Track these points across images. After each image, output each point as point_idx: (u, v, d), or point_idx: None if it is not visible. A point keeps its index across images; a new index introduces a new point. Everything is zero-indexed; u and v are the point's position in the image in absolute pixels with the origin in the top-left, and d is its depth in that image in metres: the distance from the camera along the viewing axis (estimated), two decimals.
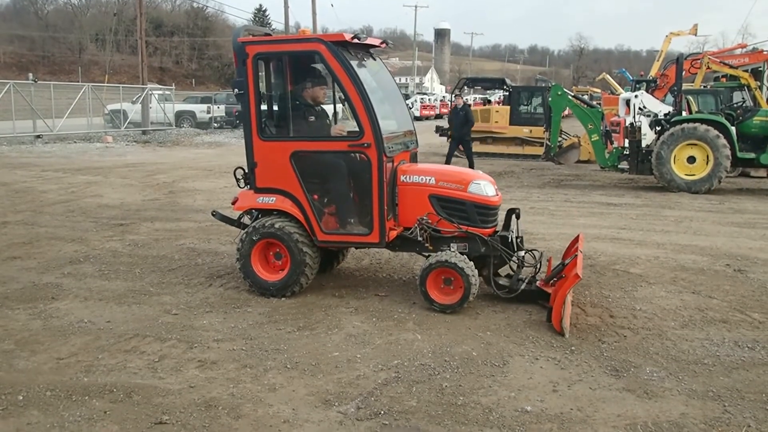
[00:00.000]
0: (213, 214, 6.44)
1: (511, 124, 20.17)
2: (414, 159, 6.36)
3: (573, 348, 4.82)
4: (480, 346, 4.83)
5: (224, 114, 30.99)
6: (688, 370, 4.47)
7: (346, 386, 4.18)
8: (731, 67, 17.19)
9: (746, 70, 17.09)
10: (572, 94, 15.78)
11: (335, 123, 6.57)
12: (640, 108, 13.46)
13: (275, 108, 6.18)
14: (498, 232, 5.94)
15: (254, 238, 5.79)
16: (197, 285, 6.29)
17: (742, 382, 4.32)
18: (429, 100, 47.70)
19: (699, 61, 17.09)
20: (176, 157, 18.69)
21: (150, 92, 26.57)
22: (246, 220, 6.29)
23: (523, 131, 19.93)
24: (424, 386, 4.18)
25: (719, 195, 12.74)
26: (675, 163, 12.96)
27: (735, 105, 14.68)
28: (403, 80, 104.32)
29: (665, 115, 13.44)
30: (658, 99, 14.89)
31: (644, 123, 13.38)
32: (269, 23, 76.83)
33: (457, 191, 5.74)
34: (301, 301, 5.80)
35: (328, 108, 6.44)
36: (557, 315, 5.05)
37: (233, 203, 6.10)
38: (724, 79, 18.27)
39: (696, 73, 17.46)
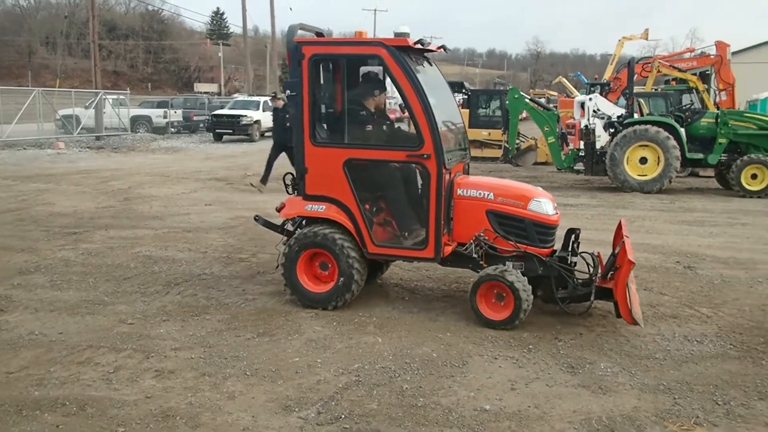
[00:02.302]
0: (256, 219, 6.21)
1: (470, 126, 20.33)
2: (467, 170, 6.15)
3: (531, 347, 4.91)
4: (440, 348, 4.87)
5: (181, 119, 30.52)
6: (641, 365, 4.60)
7: (307, 391, 4.17)
8: (680, 70, 17.73)
9: (694, 74, 17.64)
10: (529, 97, 16.05)
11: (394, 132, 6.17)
12: (594, 110, 13.78)
13: (330, 112, 5.92)
14: (557, 252, 5.69)
15: (301, 247, 5.58)
16: (154, 293, 6.18)
17: (691, 375, 4.46)
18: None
19: (650, 64, 17.59)
20: (132, 163, 18.32)
21: (104, 97, 25.98)
22: (289, 227, 6.07)
23: (482, 134, 20.16)
24: (385, 389, 4.20)
25: (670, 194, 13.13)
26: (628, 164, 13.30)
27: (684, 107, 15.15)
28: None
29: (618, 117, 13.79)
30: (611, 102, 15.26)
31: (598, 125, 13.71)
32: (226, 27, 76.05)
33: (516, 208, 5.49)
34: (261, 308, 5.76)
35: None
36: (624, 307, 4.95)
37: (279, 209, 5.88)
38: (674, 83, 18.82)
39: (647, 77, 17.95)
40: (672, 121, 13.45)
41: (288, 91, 5.54)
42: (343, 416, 3.84)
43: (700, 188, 14.43)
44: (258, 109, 27.23)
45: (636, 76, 16.50)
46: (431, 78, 5.78)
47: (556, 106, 21.94)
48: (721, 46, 17.99)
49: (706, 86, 17.69)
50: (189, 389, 4.17)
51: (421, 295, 6.19)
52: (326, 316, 5.53)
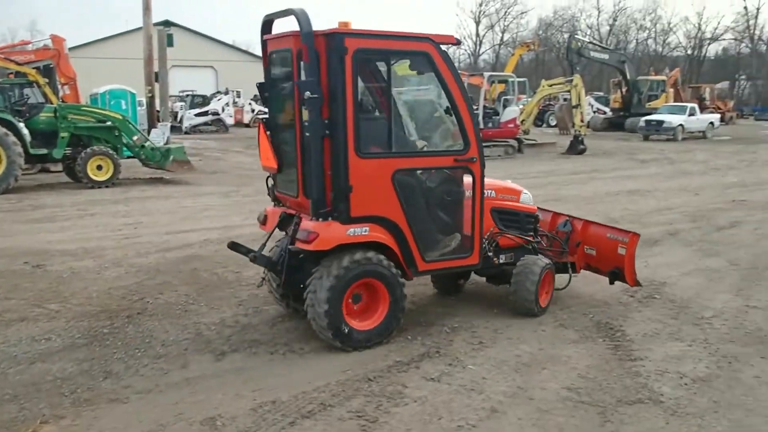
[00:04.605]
0: (231, 247, 5.08)
1: None
2: None
3: None
4: None
5: None
6: None
7: None
8: (17, 63, 17.01)
9: (36, 67, 17.28)
10: None
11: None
12: None
13: (374, 117, 5.32)
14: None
15: (350, 279, 4.73)
16: None
17: (39, 374, 4.43)
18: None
19: None
20: None
21: None
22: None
23: None
24: None
25: (18, 193, 12.51)
26: None
27: (22, 101, 14.62)
28: None
29: None
30: None
31: None
32: None
33: (513, 203, 5.79)
34: None
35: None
36: (631, 273, 5.69)
37: (310, 241, 4.64)
38: (11, 76, 17.87)
39: None
40: (10, 116, 12.79)
41: (308, 93, 4.49)
42: None
43: (51, 183, 14.27)
44: None
45: None
46: None
47: None
48: (57, 40, 18.06)
49: (47, 80, 17.45)
50: None
51: None
52: None
